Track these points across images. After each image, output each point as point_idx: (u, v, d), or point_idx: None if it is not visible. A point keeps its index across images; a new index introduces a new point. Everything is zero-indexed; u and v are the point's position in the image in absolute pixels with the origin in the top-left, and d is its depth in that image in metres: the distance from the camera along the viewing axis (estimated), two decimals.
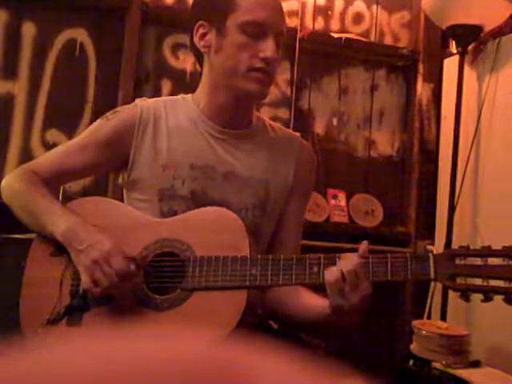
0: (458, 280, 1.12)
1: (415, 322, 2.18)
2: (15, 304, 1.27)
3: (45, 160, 1.42)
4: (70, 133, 2.33)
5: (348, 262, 1.14)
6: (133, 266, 1.20)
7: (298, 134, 1.51)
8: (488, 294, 1.09)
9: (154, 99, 1.45)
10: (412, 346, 2.12)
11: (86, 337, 0.31)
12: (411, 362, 2.11)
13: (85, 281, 1.20)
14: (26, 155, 2.25)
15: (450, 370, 1.99)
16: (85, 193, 2.25)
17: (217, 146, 1.37)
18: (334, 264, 1.16)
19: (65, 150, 1.42)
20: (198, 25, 1.34)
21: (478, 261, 1.11)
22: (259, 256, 1.21)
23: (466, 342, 2.08)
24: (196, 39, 1.35)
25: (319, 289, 1.23)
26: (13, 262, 1.37)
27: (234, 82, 1.31)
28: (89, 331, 1.20)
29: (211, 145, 1.37)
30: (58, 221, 1.27)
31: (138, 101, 1.41)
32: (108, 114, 1.41)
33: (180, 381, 0.26)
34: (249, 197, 1.36)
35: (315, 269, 1.17)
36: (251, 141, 1.40)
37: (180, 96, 1.45)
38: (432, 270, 1.13)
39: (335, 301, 1.15)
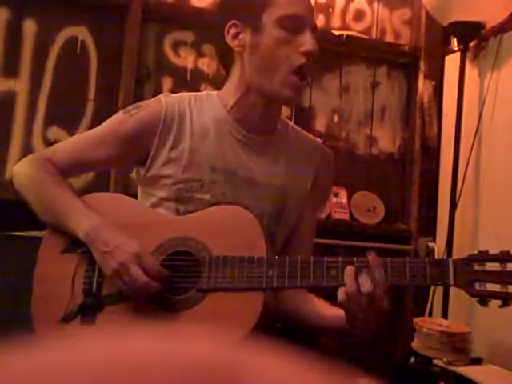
0: (477, 286, 1.12)
1: (416, 320, 2.18)
2: (22, 302, 1.26)
3: (61, 149, 1.39)
4: (72, 130, 2.33)
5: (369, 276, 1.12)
6: (162, 269, 1.19)
7: (319, 140, 1.49)
8: (506, 300, 1.10)
9: (179, 95, 1.41)
10: (413, 344, 2.12)
11: (89, 335, 0.31)
12: (412, 360, 2.11)
13: (120, 285, 1.19)
14: (28, 153, 2.23)
15: (452, 368, 1.99)
16: (86, 188, 2.25)
17: (240, 150, 1.34)
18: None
19: (83, 141, 1.39)
20: (229, 24, 1.31)
21: (497, 266, 1.11)
22: (276, 257, 1.19)
23: (468, 340, 2.08)
24: (228, 39, 1.31)
25: (331, 297, 1.22)
26: (16, 260, 1.37)
27: (270, 83, 1.27)
28: (102, 330, 1.20)
29: (234, 148, 1.34)
30: (81, 218, 1.24)
31: (162, 96, 1.38)
32: (130, 107, 1.38)
33: (179, 381, 0.26)
34: (266, 204, 1.34)
35: (333, 272, 1.15)
36: (274, 147, 1.38)
37: (205, 93, 1.42)
38: (451, 275, 1.12)
39: (351, 310, 1.13)
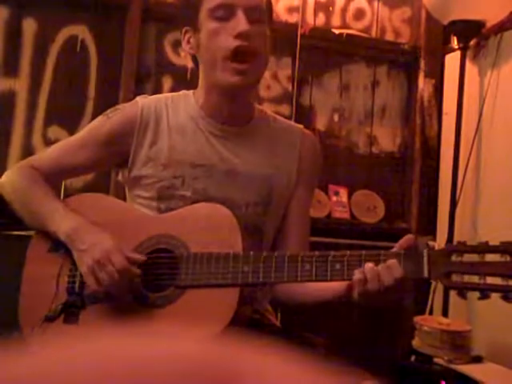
0: (454, 277, 1.09)
1: (417, 318, 2.19)
2: (15, 301, 1.27)
3: (45, 156, 1.42)
4: (72, 129, 2.33)
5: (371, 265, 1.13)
6: (134, 266, 1.21)
7: (300, 125, 1.49)
8: (485, 292, 1.07)
9: (156, 96, 1.44)
10: (414, 342, 2.12)
11: (83, 336, 0.31)
12: (413, 358, 2.11)
13: (90, 282, 1.21)
14: (28, 152, 2.25)
15: (452, 366, 1.99)
16: (86, 189, 2.25)
17: (217, 143, 1.36)
18: (326, 262, 1.16)
19: (65, 146, 1.42)
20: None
21: (475, 257, 1.08)
22: (251, 253, 1.20)
23: (468, 338, 2.08)
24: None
25: None
26: (13, 259, 1.37)
27: (214, 75, 1.31)
28: (85, 328, 1.21)
29: (211, 143, 1.36)
30: (61, 220, 1.28)
31: (138, 98, 1.41)
32: (108, 111, 1.41)
33: (178, 380, 0.26)
34: (251, 194, 1.35)
35: (307, 266, 1.16)
36: (252, 137, 1.39)
37: (182, 92, 1.45)
38: (426, 268, 1.10)
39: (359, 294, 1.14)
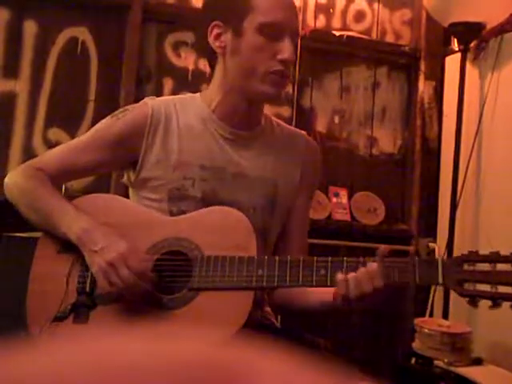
0: (466, 285, 1.12)
1: (417, 320, 2.18)
2: (19, 302, 1.27)
3: (51, 157, 1.41)
4: (72, 131, 2.33)
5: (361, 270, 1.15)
6: (149, 270, 1.20)
7: (303, 132, 1.51)
8: (496, 301, 1.09)
9: (164, 98, 1.44)
10: (414, 344, 2.12)
11: (88, 336, 0.31)
12: (413, 360, 2.11)
13: (101, 284, 1.21)
14: (28, 154, 2.25)
15: (452, 368, 1.99)
16: (87, 191, 2.25)
17: (227, 146, 1.37)
18: (342, 267, 1.17)
19: (72, 147, 1.40)
20: (212, 25, 1.33)
21: (487, 266, 1.11)
22: (266, 257, 1.21)
23: (468, 340, 2.08)
24: (211, 39, 1.34)
25: None
26: (16, 261, 1.37)
27: (250, 83, 1.31)
28: (95, 329, 1.20)
29: (221, 145, 1.37)
30: (72, 222, 1.26)
31: (147, 99, 1.40)
32: (117, 112, 1.40)
33: (180, 381, 0.26)
34: (258, 197, 1.36)
35: (322, 271, 1.17)
36: (260, 141, 1.41)
37: (188, 95, 1.45)
38: (440, 274, 1.13)
39: (339, 299, 1.17)
